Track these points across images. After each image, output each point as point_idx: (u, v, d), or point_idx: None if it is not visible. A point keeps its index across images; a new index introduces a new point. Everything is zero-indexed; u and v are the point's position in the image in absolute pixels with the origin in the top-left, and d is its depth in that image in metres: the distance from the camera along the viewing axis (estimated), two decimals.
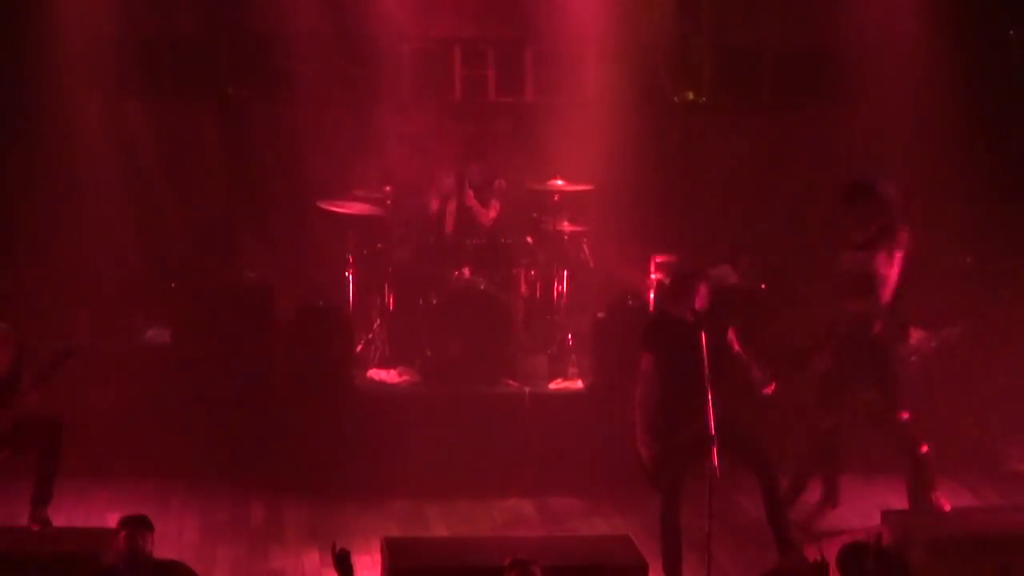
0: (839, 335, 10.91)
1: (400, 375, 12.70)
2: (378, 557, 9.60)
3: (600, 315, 12.74)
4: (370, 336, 13.03)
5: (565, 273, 13.11)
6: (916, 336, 11.29)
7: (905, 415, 10.71)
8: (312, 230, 13.48)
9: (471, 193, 13.04)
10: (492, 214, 13.19)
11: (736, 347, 10.10)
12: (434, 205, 13.27)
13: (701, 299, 9.95)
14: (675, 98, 13.99)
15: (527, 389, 12.35)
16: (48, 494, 10.47)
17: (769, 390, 10.08)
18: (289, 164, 13.64)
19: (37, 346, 10.72)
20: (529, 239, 13.16)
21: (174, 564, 8.48)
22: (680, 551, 9.86)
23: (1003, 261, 13.44)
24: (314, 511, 11.55)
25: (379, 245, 13.08)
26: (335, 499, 11.69)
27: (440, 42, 13.89)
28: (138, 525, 8.22)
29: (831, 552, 7.56)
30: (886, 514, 10.46)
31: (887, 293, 10.61)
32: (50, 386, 10.34)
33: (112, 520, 10.56)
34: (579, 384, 12.65)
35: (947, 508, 10.88)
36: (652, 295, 12.84)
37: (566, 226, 13.18)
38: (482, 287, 12.74)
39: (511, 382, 12.53)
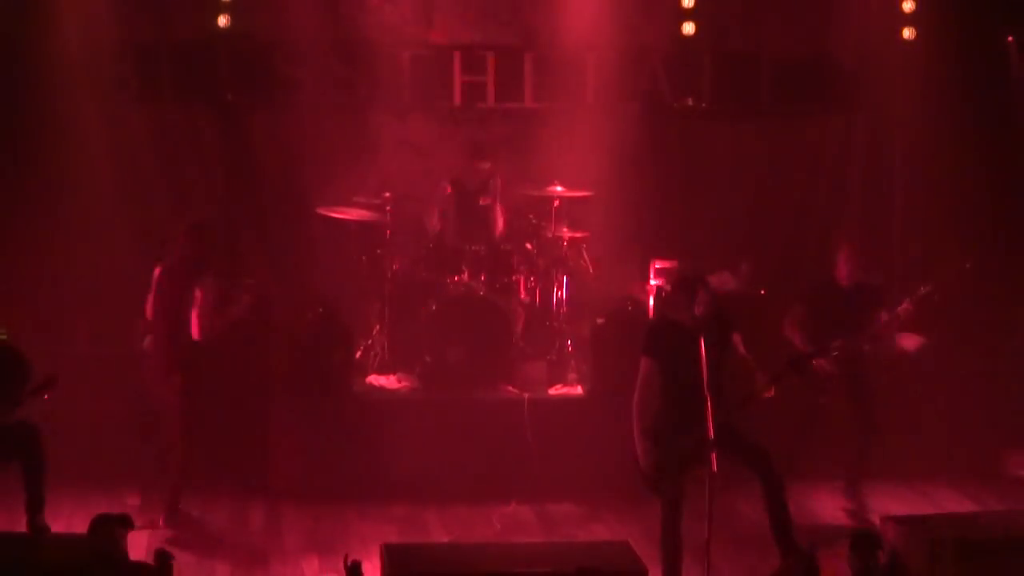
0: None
1: (399, 381, 12.69)
2: (377, 563, 9.59)
3: (599, 321, 12.73)
4: (369, 342, 13.03)
5: (564, 279, 13.10)
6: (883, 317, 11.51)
7: None
8: (312, 236, 13.47)
9: (495, 206, 13.12)
10: (501, 222, 13.21)
11: (740, 352, 10.10)
12: (433, 211, 13.27)
13: (701, 305, 9.94)
14: (674, 104, 13.97)
15: (526, 395, 12.34)
16: (40, 500, 10.47)
17: (769, 394, 10.07)
18: (288, 170, 13.62)
19: (35, 353, 10.74)
20: (528, 245, 13.16)
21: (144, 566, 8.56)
22: (680, 557, 9.84)
23: (1003, 264, 13.44)
24: (313, 517, 11.55)
25: (378, 251, 13.08)
26: (334, 505, 11.69)
27: (439, 48, 13.88)
28: (115, 523, 8.32)
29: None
30: (884, 519, 10.45)
31: None
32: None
33: None
34: (578, 390, 12.65)
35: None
36: (652, 301, 12.84)
37: (565, 232, 13.18)
38: (481, 293, 12.74)
39: (510, 388, 12.52)
